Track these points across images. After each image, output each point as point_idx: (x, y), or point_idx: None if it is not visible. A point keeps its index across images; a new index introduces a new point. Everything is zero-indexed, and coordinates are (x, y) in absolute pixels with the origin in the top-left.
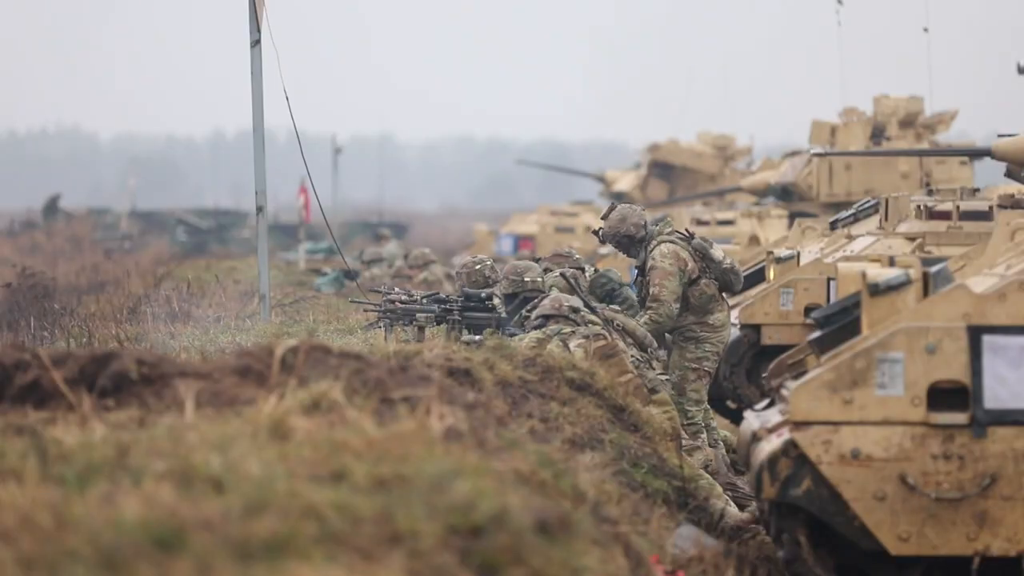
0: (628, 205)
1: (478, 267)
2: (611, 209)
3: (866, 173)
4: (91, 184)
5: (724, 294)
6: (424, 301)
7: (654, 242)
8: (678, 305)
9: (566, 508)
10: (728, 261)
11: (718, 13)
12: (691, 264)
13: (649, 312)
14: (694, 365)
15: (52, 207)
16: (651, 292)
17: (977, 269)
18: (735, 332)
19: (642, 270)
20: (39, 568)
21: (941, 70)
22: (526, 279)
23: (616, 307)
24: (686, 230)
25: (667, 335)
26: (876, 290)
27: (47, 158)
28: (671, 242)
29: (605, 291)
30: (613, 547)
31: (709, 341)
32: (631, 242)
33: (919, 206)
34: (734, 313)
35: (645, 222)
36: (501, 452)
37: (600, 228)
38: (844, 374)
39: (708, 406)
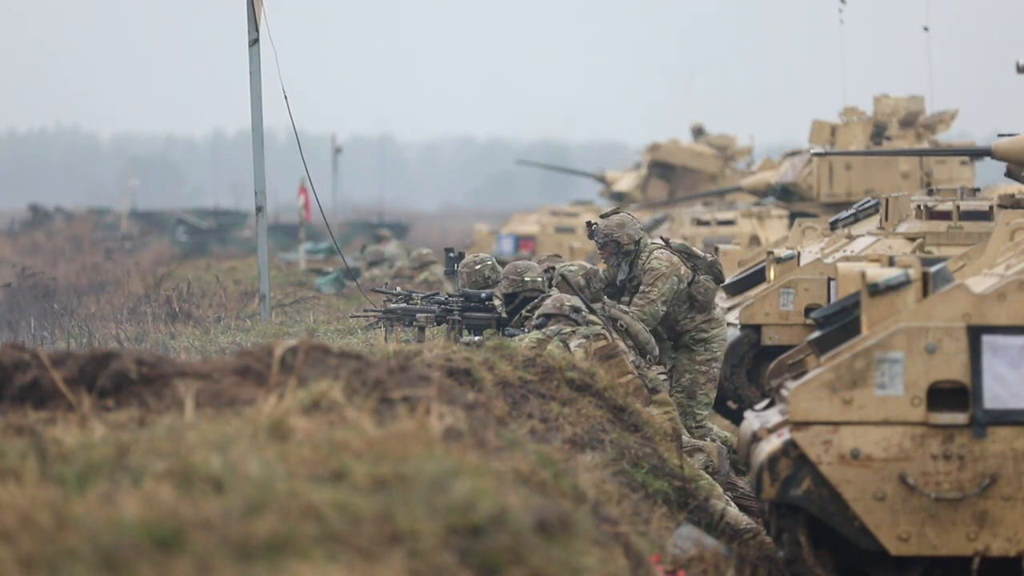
0: (631, 216)
1: (479, 267)
2: (615, 211)
3: (866, 173)
4: (91, 184)
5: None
6: (423, 301)
7: (647, 251)
8: (665, 308)
9: (566, 508)
10: (707, 254)
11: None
12: (684, 268)
13: (635, 308)
14: (703, 368)
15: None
16: (641, 290)
17: (977, 269)
18: (735, 332)
19: (624, 284)
20: (39, 568)
21: (941, 70)
22: (526, 279)
23: (624, 307)
24: (660, 237)
25: (665, 337)
26: (876, 290)
27: (47, 158)
28: (662, 249)
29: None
30: (613, 547)
31: (715, 340)
32: (618, 249)
33: (919, 206)
34: (734, 313)
35: (640, 239)
36: (501, 452)
37: (596, 224)
38: (844, 374)
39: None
